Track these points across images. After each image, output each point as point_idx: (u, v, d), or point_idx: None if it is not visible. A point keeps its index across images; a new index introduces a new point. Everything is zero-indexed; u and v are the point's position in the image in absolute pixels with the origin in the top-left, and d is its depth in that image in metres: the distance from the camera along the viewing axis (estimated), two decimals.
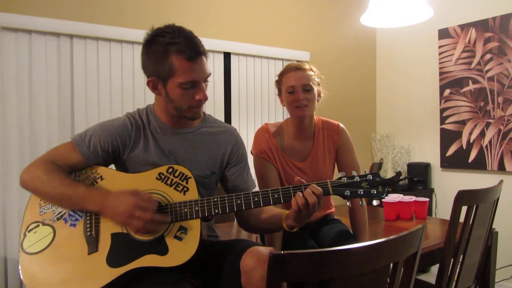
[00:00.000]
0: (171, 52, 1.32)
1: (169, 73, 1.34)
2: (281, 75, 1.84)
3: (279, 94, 1.88)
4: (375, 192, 1.32)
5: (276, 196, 1.32)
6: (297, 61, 3.26)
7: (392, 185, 1.33)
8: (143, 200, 1.25)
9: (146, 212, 1.23)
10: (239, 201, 1.32)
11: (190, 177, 1.36)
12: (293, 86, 1.76)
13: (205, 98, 1.39)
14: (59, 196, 1.30)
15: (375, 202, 1.35)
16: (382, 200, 2.29)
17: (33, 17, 2.32)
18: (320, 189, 1.29)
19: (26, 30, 2.33)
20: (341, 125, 1.93)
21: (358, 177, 1.34)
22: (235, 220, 1.59)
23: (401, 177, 1.34)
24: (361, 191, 1.32)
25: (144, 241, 1.28)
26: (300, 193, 1.28)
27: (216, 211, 1.31)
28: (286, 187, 1.34)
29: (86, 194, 1.28)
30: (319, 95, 1.84)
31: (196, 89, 1.37)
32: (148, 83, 1.41)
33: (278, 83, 1.86)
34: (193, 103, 1.39)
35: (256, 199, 1.32)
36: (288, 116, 1.89)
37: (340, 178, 1.34)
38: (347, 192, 1.32)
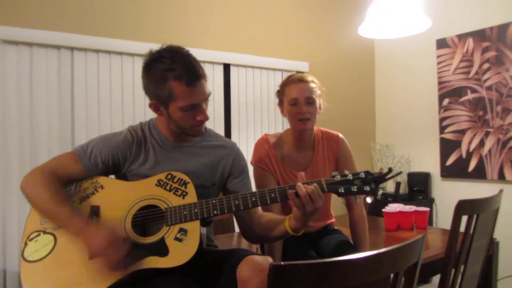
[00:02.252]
0: (170, 78, 1.33)
1: (169, 98, 1.36)
2: (283, 86, 1.84)
3: (280, 104, 1.88)
4: (368, 189, 1.35)
5: (273, 195, 1.34)
6: (297, 72, 3.28)
7: (384, 181, 1.35)
8: (117, 240, 1.24)
9: (116, 252, 1.23)
10: (237, 202, 1.34)
11: (188, 182, 1.39)
12: (296, 99, 1.76)
13: (206, 119, 1.42)
14: (46, 210, 1.32)
15: (369, 199, 1.38)
16: (383, 210, 2.28)
17: (34, 30, 2.35)
18: (314, 184, 1.31)
19: (27, 43, 2.35)
20: (340, 135, 1.94)
21: (351, 175, 1.37)
22: (239, 230, 1.59)
23: (392, 173, 1.36)
24: (354, 188, 1.35)
25: (145, 244, 1.30)
26: (300, 184, 1.30)
27: (215, 212, 1.33)
28: (282, 186, 1.35)
29: (68, 218, 1.28)
30: (319, 107, 1.85)
31: (197, 110, 1.39)
32: (150, 106, 1.44)
33: (280, 93, 1.86)
34: (194, 123, 1.42)
35: (253, 199, 1.34)
36: (288, 126, 1.89)
37: (333, 176, 1.37)
38: (341, 189, 1.35)
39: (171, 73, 1.32)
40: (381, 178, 1.35)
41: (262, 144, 1.88)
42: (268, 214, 1.50)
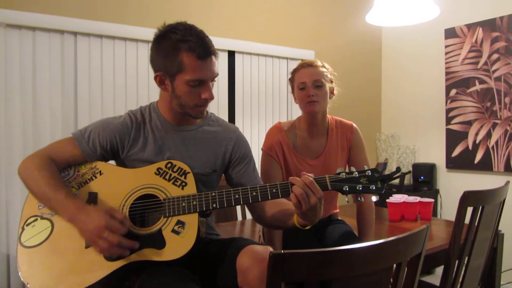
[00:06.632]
0: (182, 49, 1.33)
1: (178, 70, 1.34)
2: (294, 72, 1.84)
3: (292, 91, 1.87)
4: (374, 187, 1.29)
5: (274, 190, 1.29)
6: (302, 60, 3.25)
7: (391, 180, 1.30)
8: (115, 222, 1.20)
9: (114, 235, 1.19)
10: (237, 196, 1.31)
11: (188, 172, 1.36)
12: (304, 82, 1.77)
13: (211, 98, 1.40)
14: (41, 194, 1.30)
15: (374, 198, 1.33)
16: (387, 200, 2.27)
17: (37, 14, 2.32)
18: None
19: (30, 27, 2.33)
20: (354, 124, 1.94)
21: (357, 173, 1.31)
22: (251, 217, 1.56)
23: (400, 173, 1.32)
24: (359, 187, 1.29)
25: (141, 235, 1.28)
26: (297, 186, 1.22)
27: (214, 205, 1.30)
28: (284, 182, 1.31)
29: (63, 202, 1.26)
30: (332, 92, 1.83)
31: (203, 87, 1.37)
32: (155, 78, 1.42)
33: (291, 80, 1.86)
34: (198, 102, 1.39)
35: (254, 193, 1.30)
36: (294, 114, 1.88)
37: (338, 174, 1.31)
38: (346, 188, 1.29)
39: (184, 44, 1.32)
40: (389, 177, 1.30)
41: (275, 131, 1.86)
42: (279, 204, 1.45)
